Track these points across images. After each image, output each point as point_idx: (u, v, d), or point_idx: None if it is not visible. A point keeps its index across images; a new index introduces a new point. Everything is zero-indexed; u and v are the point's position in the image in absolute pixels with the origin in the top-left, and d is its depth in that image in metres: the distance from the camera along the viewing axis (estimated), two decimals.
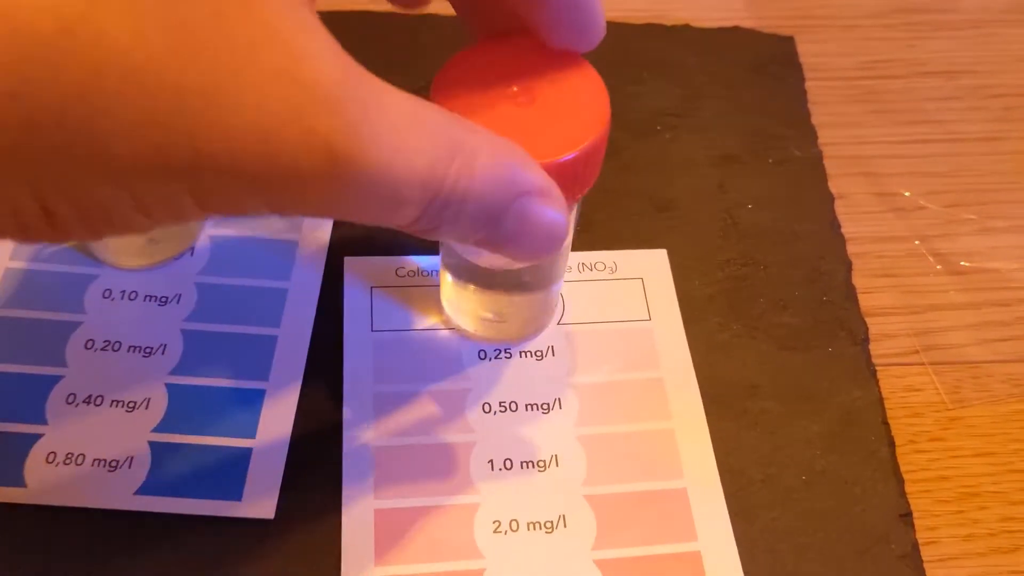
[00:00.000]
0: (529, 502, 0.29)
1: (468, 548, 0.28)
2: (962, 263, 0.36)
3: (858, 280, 0.35)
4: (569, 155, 0.25)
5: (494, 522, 0.29)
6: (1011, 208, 0.38)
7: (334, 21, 0.41)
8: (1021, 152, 0.40)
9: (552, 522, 0.29)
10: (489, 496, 0.29)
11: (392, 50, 0.40)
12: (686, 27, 0.42)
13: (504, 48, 0.27)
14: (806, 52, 0.43)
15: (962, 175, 0.39)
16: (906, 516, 0.29)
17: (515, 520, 0.29)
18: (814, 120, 0.40)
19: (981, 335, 0.35)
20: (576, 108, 0.26)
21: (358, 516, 0.28)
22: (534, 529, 0.29)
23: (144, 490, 0.28)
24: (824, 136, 0.39)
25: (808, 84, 0.41)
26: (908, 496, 0.30)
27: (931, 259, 0.36)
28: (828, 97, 0.41)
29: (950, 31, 0.45)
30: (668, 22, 0.42)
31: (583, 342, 0.32)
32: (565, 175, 0.25)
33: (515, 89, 0.26)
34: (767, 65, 0.41)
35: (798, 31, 0.43)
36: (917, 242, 0.37)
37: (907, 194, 0.38)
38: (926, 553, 0.30)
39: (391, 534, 0.28)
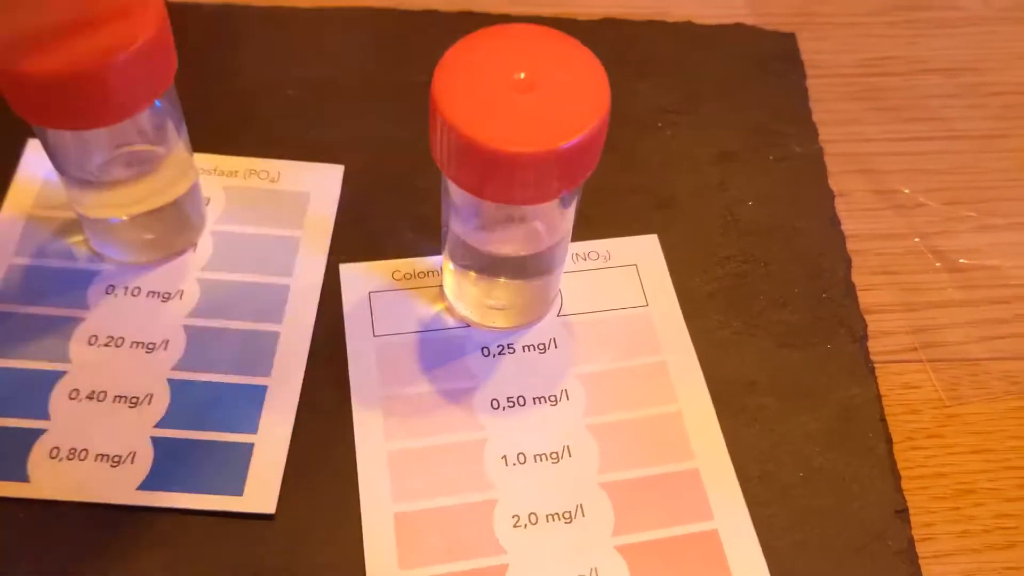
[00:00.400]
0: (546, 494, 0.29)
1: (490, 545, 0.28)
2: (961, 260, 0.36)
3: (857, 277, 0.35)
4: (569, 143, 0.25)
5: (513, 516, 0.29)
6: (1010, 205, 0.38)
7: (341, 17, 0.41)
8: (1020, 150, 0.40)
9: (570, 512, 0.29)
10: (506, 491, 0.29)
11: (398, 44, 0.40)
12: (688, 24, 0.42)
13: (507, 35, 0.27)
14: (807, 49, 0.43)
15: (962, 172, 0.39)
16: (902, 512, 0.30)
17: (534, 513, 0.29)
18: (815, 117, 0.40)
19: (979, 332, 0.35)
20: (577, 95, 0.26)
21: (378, 521, 0.29)
22: (553, 520, 0.29)
23: (146, 485, 0.29)
24: (824, 133, 0.39)
25: (809, 81, 0.41)
26: (905, 492, 0.31)
27: (930, 256, 0.37)
28: (829, 94, 0.41)
29: (952, 28, 0.45)
30: (670, 19, 0.42)
31: (583, 332, 0.33)
32: (565, 162, 0.25)
33: (517, 75, 0.26)
34: (768, 62, 0.41)
35: (799, 28, 0.43)
36: (916, 239, 0.37)
37: (907, 191, 0.38)
38: (922, 549, 0.30)
39: (413, 537, 0.28)
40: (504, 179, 0.26)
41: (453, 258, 0.31)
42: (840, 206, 0.37)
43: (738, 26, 0.42)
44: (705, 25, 0.42)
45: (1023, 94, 0.42)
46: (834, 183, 0.38)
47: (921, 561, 0.30)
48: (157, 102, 0.29)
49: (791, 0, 0.45)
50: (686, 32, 0.42)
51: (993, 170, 0.39)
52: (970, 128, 0.41)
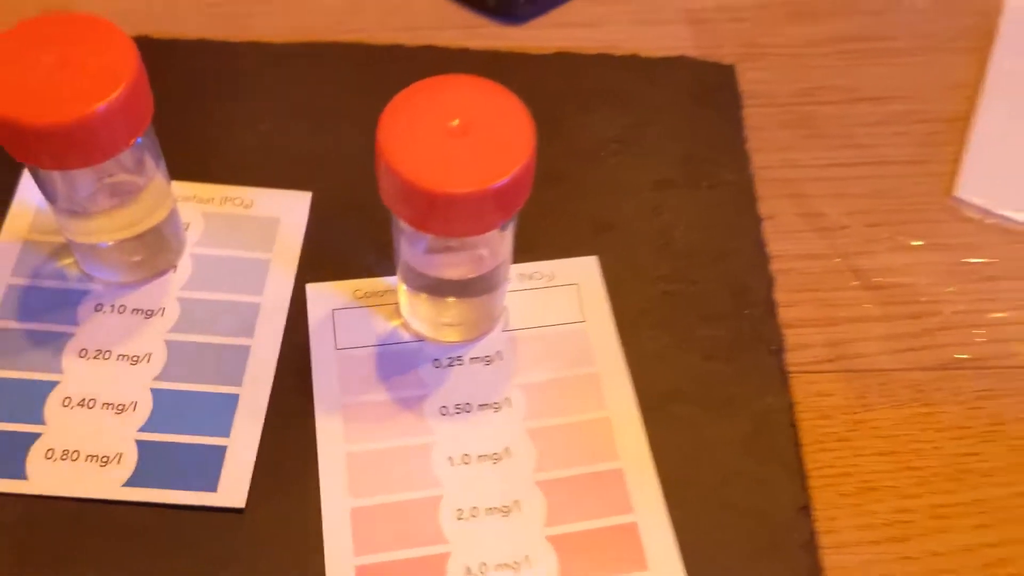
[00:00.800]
0: (487, 491, 0.33)
1: (435, 535, 0.32)
2: (877, 279, 0.40)
3: (781, 295, 0.39)
4: (500, 182, 0.29)
5: (457, 510, 0.32)
6: (927, 227, 0.42)
7: (312, 52, 0.44)
8: (940, 175, 0.43)
9: (508, 507, 0.33)
10: (451, 488, 0.33)
11: (365, 78, 0.43)
12: (634, 57, 0.46)
13: (443, 86, 0.31)
14: (748, 80, 0.46)
15: (884, 196, 0.43)
16: (805, 509, 0.33)
17: (475, 507, 0.33)
18: (752, 145, 0.43)
19: (890, 345, 0.38)
20: (505, 138, 0.29)
21: (336, 514, 0.32)
22: (492, 514, 0.32)
23: (131, 483, 0.32)
24: (759, 160, 0.43)
25: (748, 110, 0.45)
26: (813, 490, 0.34)
27: (849, 275, 0.40)
28: (766, 122, 0.45)
29: (885, 59, 0.48)
30: (618, 52, 0.46)
31: (526, 345, 0.36)
32: (496, 199, 0.29)
33: (452, 123, 0.30)
34: (708, 93, 0.44)
35: (741, 59, 0.47)
36: (838, 259, 0.40)
37: (831, 214, 0.42)
38: (826, 541, 0.33)
39: (366, 528, 0.32)
40: (443, 216, 0.29)
41: (406, 281, 0.35)
42: (768, 228, 0.41)
43: (681, 58, 0.46)
44: (650, 58, 0.46)
45: (945, 121, 0.45)
46: (764, 207, 0.41)
47: (825, 552, 0.33)
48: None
49: (734, 32, 0.48)
50: (632, 65, 0.45)
51: (913, 194, 0.43)
52: (894, 154, 0.44)
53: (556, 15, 0.48)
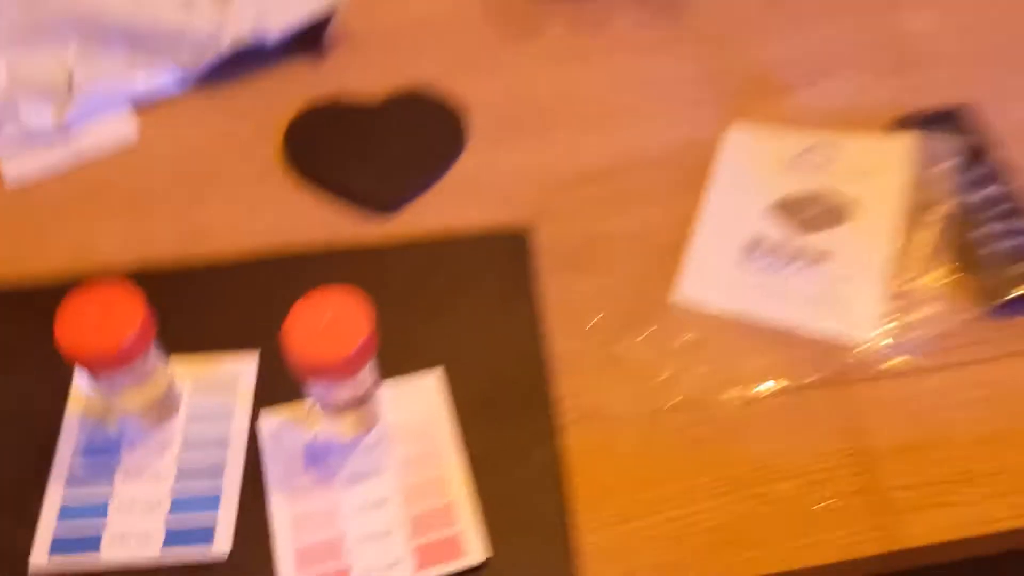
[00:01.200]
0: (375, 524, 0.55)
1: (344, 553, 0.54)
2: (621, 357, 0.63)
3: (560, 378, 0.61)
4: (351, 352, 0.52)
5: (357, 537, 0.55)
6: (657, 318, 0.64)
7: (245, 265, 0.67)
8: (667, 283, 0.66)
9: (388, 531, 0.55)
10: (353, 526, 0.55)
11: (285, 278, 0.67)
12: (463, 235, 0.68)
13: (320, 296, 0.54)
14: (545, 233, 0.69)
15: (628, 301, 0.65)
16: (564, 505, 0.56)
17: (369, 534, 0.55)
18: (542, 282, 0.66)
19: (627, 400, 0.61)
20: (354, 324, 0.53)
21: (285, 550, 0.54)
22: (378, 536, 0.55)
23: (164, 545, 0.55)
24: (548, 292, 0.65)
25: (543, 260, 0.67)
26: (576, 496, 0.56)
27: (603, 358, 0.63)
28: (554, 264, 0.67)
29: (638, 204, 0.71)
30: (452, 230, 0.69)
31: (396, 433, 0.59)
32: (352, 358, 0.52)
33: (323, 318, 0.53)
34: (511, 251, 0.67)
35: (542, 220, 0.70)
36: (595, 350, 0.63)
37: (592, 321, 0.65)
38: (583, 526, 0.55)
39: (303, 554, 0.54)
40: (323, 372, 0.53)
41: (317, 403, 0.58)
42: (550, 338, 0.63)
43: (493, 229, 0.69)
44: (473, 234, 0.68)
45: (673, 244, 0.68)
46: (548, 325, 0.64)
47: (580, 531, 0.55)
48: None
49: (536, 202, 0.71)
50: (460, 239, 0.68)
51: (648, 298, 0.65)
52: (638, 272, 0.67)
53: (416, 205, 0.71)
